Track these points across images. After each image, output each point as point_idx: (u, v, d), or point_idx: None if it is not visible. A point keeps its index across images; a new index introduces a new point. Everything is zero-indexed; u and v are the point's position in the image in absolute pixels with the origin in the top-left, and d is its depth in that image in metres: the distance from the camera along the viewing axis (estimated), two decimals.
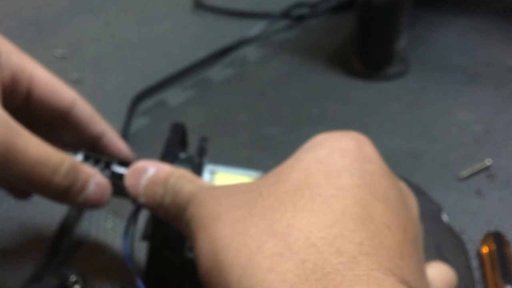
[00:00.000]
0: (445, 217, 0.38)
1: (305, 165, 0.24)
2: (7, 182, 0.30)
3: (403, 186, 0.27)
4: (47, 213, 0.41)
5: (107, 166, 0.32)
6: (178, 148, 0.34)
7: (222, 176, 0.35)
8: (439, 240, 0.26)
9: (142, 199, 0.28)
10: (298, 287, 0.19)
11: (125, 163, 0.32)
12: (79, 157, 0.32)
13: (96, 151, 0.34)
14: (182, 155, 0.34)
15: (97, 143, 0.34)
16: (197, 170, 0.33)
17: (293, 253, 0.20)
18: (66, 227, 0.40)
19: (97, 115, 0.34)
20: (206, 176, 0.34)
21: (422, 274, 0.23)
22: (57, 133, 0.33)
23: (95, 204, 0.31)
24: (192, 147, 0.36)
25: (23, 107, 0.32)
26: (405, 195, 0.26)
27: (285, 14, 0.71)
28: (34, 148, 0.28)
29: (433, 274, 0.26)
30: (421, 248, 0.24)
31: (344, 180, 0.23)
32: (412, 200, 0.27)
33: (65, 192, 0.29)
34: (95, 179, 0.31)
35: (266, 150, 0.49)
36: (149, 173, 0.28)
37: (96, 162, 0.32)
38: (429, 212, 0.28)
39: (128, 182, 0.29)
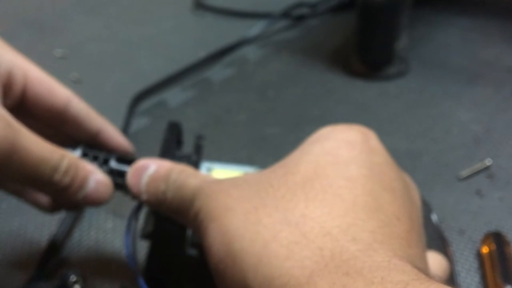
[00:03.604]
0: (434, 218, 0.39)
1: (313, 157, 0.24)
2: (12, 182, 0.30)
3: (407, 177, 0.27)
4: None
5: (105, 162, 0.32)
6: (175, 146, 0.34)
7: (218, 173, 0.35)
8: (427, 241, 0.27)
9: (144, 196, 0.29)
10: (318, 273, 0.19)
11: (124, 159, 0.32)
12: (77, 153, 0.32)
13: (95, 147, 0.34)
14: (179, 153, 0.34)
15: (96, 138, 0.34)
16: (194, 167, 0.33)
17: (309, 241, 0.21)
18: (65, 227, 0.40)
19: (93, 112, 0.34)
20: (203, 173, 0.34)
21: (426, 262, 0.24)
22: (53, 132, 0.33)
23: (95, 201, 0.31)
24: (190, 146, 0.36)
25: (18, 106, 0.31)
26: (409, 186, 0.27)
27: (285, 14, 0.71)
28: (36, 146, 0.28)
29: (431, 262, 0.26)
30: (424, 237, 0.25)
31: (352, 171, 0.23)
32: (415, 191, 0.27)
33: (65, 190, 0.29)
34: (94, 176, 0.30)
35: (266, 150, 0.49)
36: (150, 170, 0.29)
37: (94, 159, 0.32)
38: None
39: (130, 180, 0.29)
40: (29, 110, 0.32)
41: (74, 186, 0.30)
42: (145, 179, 0.29)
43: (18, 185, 0.33)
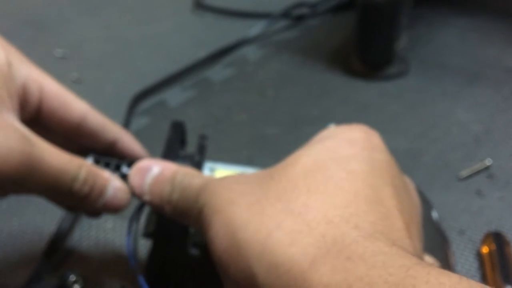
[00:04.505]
0: (435, 215, 0.39)
1: (313, 152, 0.25)
2: (32, 193, 0.29)
3: (406, 178, 0.28)
4: (47, 213, 0.41)
5: (117, 168, 0.32)
6: (179, 146, 0.34)
7: (221, 173, 0.35)
8: (427, 237, 0.27)
9: (147, 197, 0.29)
10: (320, 259, 0.20)
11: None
12: (89, 160, 0.32)
13: (108, 154, 0.34)
14: (182, 153, 0.34)
15: (112, 148, 0.34)
16: (197, 167, 0.33)
17: (312, 228, 0.21)
18: (65, 227, 0.40)
19: (109, 122, 0.34)
20: (206, 173, 0.34)
21: (423, 257, 0.25)
22: (68, 143, 0.33)
23: (114, 208, 0.31)
24: (191, 146, 0.36)
25: (34, 119, 0.31)
26: (409, 187, 0.27)
27: (285, 14, 0.71)
28: (54, 157, 0.27)
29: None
30: (422, 237, 0.25)
31: (353, 165, 0.24)
32: (414, 192, 0.28)
33: (84, 198, 0.29)
34: (112, 183, 0.30)
35: (266, 150, 0.49)
36: (154, 171, 0.29)
37: (106, 165, 0.32)
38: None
39: (133, 181, 0.29)
40: (44, 123, 0.32)
41: (93, 195, 0.29)
42: (148, 180, 0.29)
43: (38, 195, 0.32)
